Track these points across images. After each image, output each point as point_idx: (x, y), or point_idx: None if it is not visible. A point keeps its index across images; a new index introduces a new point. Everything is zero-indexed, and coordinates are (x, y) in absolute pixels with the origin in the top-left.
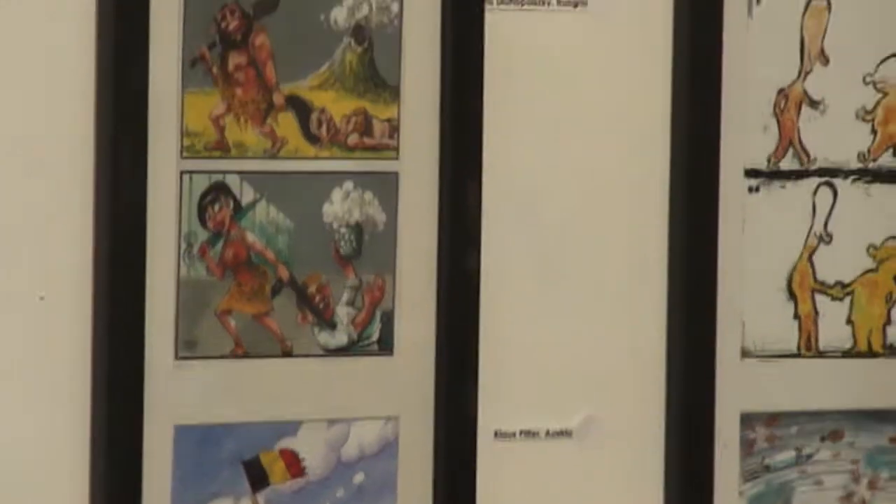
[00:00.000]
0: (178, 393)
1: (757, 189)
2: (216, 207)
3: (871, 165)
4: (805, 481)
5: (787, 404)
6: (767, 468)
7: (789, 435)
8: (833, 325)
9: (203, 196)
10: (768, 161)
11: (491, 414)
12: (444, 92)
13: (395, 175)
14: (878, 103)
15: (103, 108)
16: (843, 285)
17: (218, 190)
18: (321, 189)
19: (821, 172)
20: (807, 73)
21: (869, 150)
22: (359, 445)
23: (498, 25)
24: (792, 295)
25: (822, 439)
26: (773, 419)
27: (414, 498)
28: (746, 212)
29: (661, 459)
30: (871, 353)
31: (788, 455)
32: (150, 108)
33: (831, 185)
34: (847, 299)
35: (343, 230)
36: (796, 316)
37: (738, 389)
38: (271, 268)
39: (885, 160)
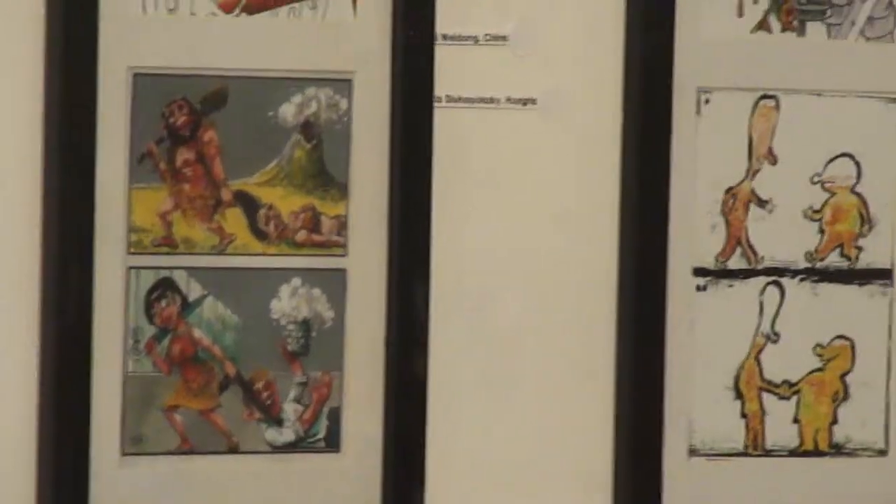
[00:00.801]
0: (124, 489)
1: (705, 288)
2: (163, 303)
3: (818, 265)
4: None
5: (734, 503)
6: None
7: None
8: (780, 424)
9: (150, 292)
10: (716, 260)
11: None
12: (392, 189)
13: (344, 272)
14: (825, 203)
15: (50, 203)
16: (790, 384)
17: (165, 286)
18: (269, 285)
19: (768, 271)
20: (755, 173)
21: (816, 250)
22: None
23: (447, 123)
24: (739, 394)
25: None
26: None
27: None
28: (694, 310)
29: None
30: (817, 452)
31: None
32: (98, 204)
33: (779, 285)
34: (794, 398)
35: (291, 327)
36: (743, 415)
37: (685, 488)
38: (218, 364)
39: (833, 259)
